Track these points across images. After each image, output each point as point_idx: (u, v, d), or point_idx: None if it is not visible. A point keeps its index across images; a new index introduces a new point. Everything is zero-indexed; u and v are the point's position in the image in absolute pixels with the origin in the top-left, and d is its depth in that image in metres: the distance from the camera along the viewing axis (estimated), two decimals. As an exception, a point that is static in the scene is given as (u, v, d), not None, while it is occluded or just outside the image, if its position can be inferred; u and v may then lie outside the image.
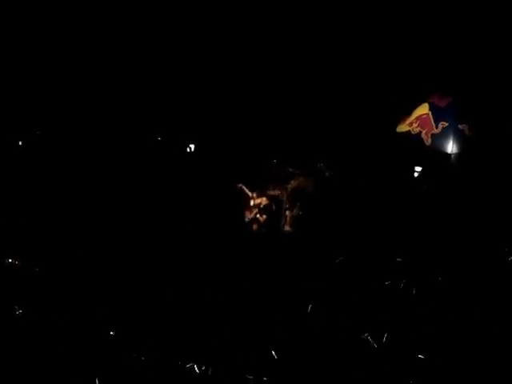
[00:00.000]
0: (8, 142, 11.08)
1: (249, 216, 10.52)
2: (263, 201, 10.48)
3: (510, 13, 11.08)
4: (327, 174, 10.83)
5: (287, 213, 10.52)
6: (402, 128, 11.20)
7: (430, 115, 10.89)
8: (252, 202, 10.48)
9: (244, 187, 10.55)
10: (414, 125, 11.02)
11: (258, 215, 10.46)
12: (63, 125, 11.35)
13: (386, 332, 7.92)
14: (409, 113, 11.14)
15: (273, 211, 10.50)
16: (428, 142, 10.91)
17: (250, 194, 10.53)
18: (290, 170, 10.86)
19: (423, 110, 10.99)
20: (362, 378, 7.29)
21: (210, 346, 7.66)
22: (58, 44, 11.50)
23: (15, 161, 10.95)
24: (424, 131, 10.92)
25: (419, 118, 10.98)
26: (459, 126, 10.67)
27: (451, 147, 10.76)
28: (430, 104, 10.96)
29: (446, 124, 10.78)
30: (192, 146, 11.51)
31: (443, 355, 7.51)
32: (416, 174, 11.19)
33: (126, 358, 7.43)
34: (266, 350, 7.67)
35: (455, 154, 10.74)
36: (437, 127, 10.84)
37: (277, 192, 10.63)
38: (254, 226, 10.47)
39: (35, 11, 11.46)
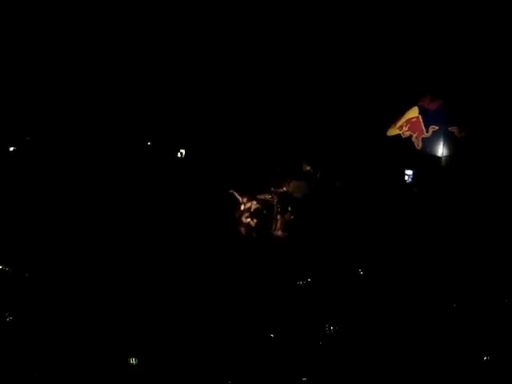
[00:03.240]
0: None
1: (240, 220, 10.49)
2: (254, 205, 10.44)
3: (499, 17, 11.15)
4: (318, 177, 10.82)
5: (278, 217, 10.49)
6: (392, 132, 11.22)
7: (420, 118, 10.91)
8: (243, 207, 10.45)
9: (235, 193, 10.51)
10: (405, 128, 11.03)
11: (249, 219, 10.43)
12: (54, 131, 11.35)
13: (379, 333, 7.93)
14: (399, 116, 11.16)
15: (264, 215, 10.47)
16: (419, 145, 10.93)
17: (240, 199, 10.49)
18: (281, 174, 10.86)
19: (413, 113, 11.02)
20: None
21: (203, 348, 7.65)
22: (50, 50, 11.51)
23: (6, 167, 10.94)
24: (414, 135, 10.94)
25: (409, 122, 11.00)
26: (449, 129, 10.70)
27: (442, 150, 10.78)
28: (419, 107, 10.99)
29: (436, 127, 10.80)
30: (183, 151, 11.50)
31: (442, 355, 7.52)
32: (407, 178, 11.20)
33: (122, 362, 7.42)
34: (258, 353, 7.66)
35: (446, 156, 10.76)
36: (427, 131, 10.86)
37: (268, 196, 10.61)
38: (246, 231, 10.43)
39: (28, 16, 11.48)
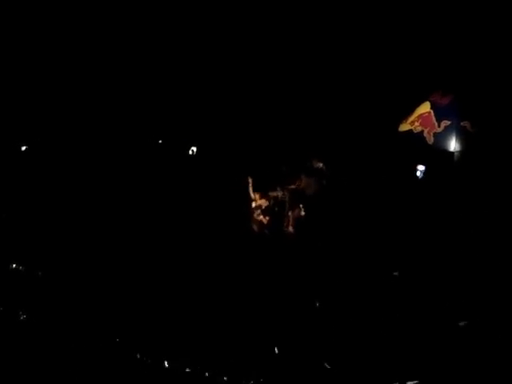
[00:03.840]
0: (9, 147, 11.15)
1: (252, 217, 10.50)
2: (265, 202, 10.45)
3: (509, 11, 11.06)
4: (329, 174, 10.80)
5: (290, 214, 10.48)
6: (404, 127, 11.15)
7: (432, 114, 10.85)
8: (254, 204, 10.46)
9: (250, 184, 10.50)
10: (416, 123, 10.96)
11: (261, 216, 10.44)
12: (64, 130, 11.41)
13: (387, 333, 7.94)
14: (410, 112, 11.09)
15: (275, 212, 10.48)
16: (430, 140, 10.85)
17: (252, 193, 10.50)
18: (292, 170, 10.85)
19: (425, 108, 10.94)
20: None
21: (212, 346, 7.69)
22: (56, 48, 11.55)
23: (16, 166, 11.02)
24: (426, 130, 10.86)
25: (421, 117, 10.93)
26: (461, 123, 10.62)
27: (454, 145, 10.70)
28: (431, 102, 10.91)
29: (448, 122, 10.73)
30: (194, 149, 11.53)
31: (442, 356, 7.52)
32: (419, 173, 11.13)
33: (127, 360, 7.48)
34: (267, 350, 7.69)
35: (458, 151, 10.68)
36: (439, 126, 10.78)
37: (279, 193, 10.60)
38: (258, 228, 10.44)
39: (32, 16, 11.53)
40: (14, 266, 9.32)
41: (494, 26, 11.00)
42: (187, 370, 7.33)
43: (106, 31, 11.60)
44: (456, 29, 11.21)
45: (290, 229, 10.44)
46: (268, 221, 10.46)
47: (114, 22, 11.60)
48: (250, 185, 10.45)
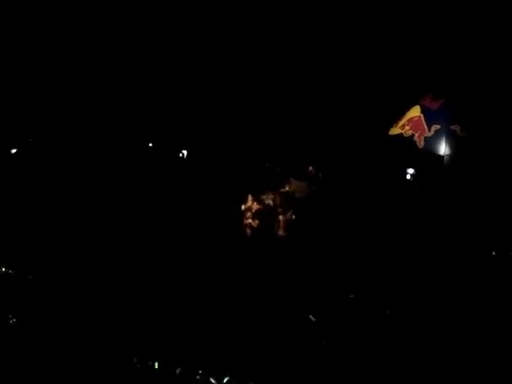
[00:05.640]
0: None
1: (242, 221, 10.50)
2: (255, 205, 10.45)
3: (501, 16, 11.13)
4: (320, 177, 10.82)
5: (280, 217, 10.48)
6: (395, 131, 11.21)
7: (422, 118, 10.90)
8: (243, 207, 10.46)
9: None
10: (407, 127, 11.02)
11: (250, 220, 10.43)
12: (55, 132, 11.39)
13: (383, 337, 7.95)
14: (401, 115, 11.15)
15: (265, 215, 10.47)
16: (421, 144, 10.91)
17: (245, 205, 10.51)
18: (283, 173, 10.86)
19: (415, 112, 11.00)
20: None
21: (204, 351, 7.68)
22: (51, 51, 11.56)
23: (7, 169, 10.99)
24: (417, 134, 10.92)
25: (411, 121, 10.99)
26: (451, 127, 10.69)
27: (444, 149, 10.76)
28: (421, 106, 10.98)
29: (439, 126, 10.79)
30: (185, 152, 11.54)
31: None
32: (409, 177, 11.18)
33: (125, 364, 7.46)
34: (260, 355, 7.69)
35: (448, 155, 10.74)
36: (429, 130, 10.85)
37: (269, 196, 10.60)
38: (247, 231, 10.43)
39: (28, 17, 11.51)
40: (3, 269, 9.26)
41: (484, 30, 11.07)
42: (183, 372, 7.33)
43: (94, 35, 11.59)
44: (446, 33, 11.28)
45: (281, 232, 10.45)
46: (258, 224, 10.46)
47: (102, 26, 11.60)
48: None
